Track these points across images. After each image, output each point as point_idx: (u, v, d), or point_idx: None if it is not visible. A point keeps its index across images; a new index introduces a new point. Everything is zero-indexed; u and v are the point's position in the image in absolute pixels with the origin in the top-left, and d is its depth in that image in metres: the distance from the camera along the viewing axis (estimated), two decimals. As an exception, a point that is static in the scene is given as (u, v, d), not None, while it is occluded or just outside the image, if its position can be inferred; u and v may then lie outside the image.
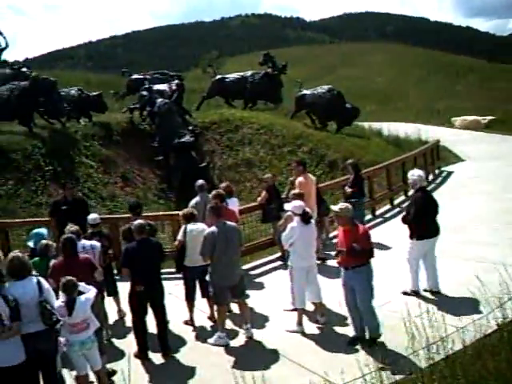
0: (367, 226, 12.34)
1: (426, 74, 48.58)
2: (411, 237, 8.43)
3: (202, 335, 7.92)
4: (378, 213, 14.20)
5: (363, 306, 7.02)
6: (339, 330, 7.63)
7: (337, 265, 7.44)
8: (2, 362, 5.59)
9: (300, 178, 10.31)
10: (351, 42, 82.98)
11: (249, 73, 24.23)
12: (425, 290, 8.57)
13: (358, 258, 6.94)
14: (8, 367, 5.57)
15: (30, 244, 8.02)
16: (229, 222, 7.67)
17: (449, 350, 5.96)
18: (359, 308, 7.09)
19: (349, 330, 7.42)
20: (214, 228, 7.46)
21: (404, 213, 8.77)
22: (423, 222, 8.29)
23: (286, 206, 8.36)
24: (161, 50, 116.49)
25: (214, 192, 8.99)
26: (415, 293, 8.46)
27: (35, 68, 26.03)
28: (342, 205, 7.34)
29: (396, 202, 15.19)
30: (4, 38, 23.36)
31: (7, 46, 23.59)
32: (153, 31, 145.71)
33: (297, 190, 9.91)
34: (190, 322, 8.29)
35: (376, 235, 11.83)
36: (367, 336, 7.16)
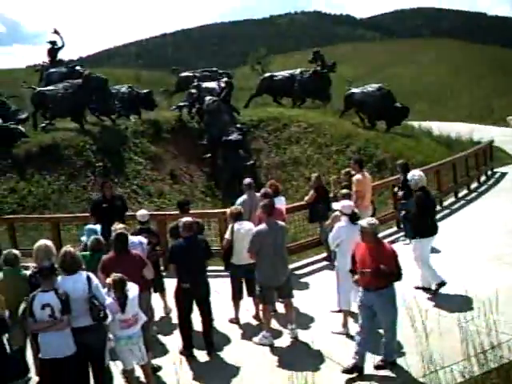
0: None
1: (481, 71, 47.29)
2: (414, 236, 8.70)
3: (247, 334, 7.92)
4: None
5: (387, 326, 6.57)
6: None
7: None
8: (54, 353, 5.76)
9: (358, 176, 10.36)
10: (402, 40, 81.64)
11: (297, 71, 24.13)
12: (417, 288, 8.67)
13: (383, 280, 6.44)
14: (60, 358, 5.73)
15: (83, 239, 8.17)
16: (278, 222, 7.66)
17: (502, 358, 5.76)
18: (376, 331, 6.74)
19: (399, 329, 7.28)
20: (264, 226, 7.44)
21: (403, 212, 9.17)
22: (423, 220, 8.59)
23: (335, 206, 8.28)
24: (210, 48, 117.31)
25: (262, 190, 8.99)
26: (439, 285, 8.54)
27: (88, 66, 26.61)
28: (370, 220, 6.82)
29: (446, 203, 14.85)
30: (61, 37, 24.03)
31: (63, 45, 24.26)
32: (202, 29, 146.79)
33: (353, 188, 9.86)
34: (236, 321, 8.30)
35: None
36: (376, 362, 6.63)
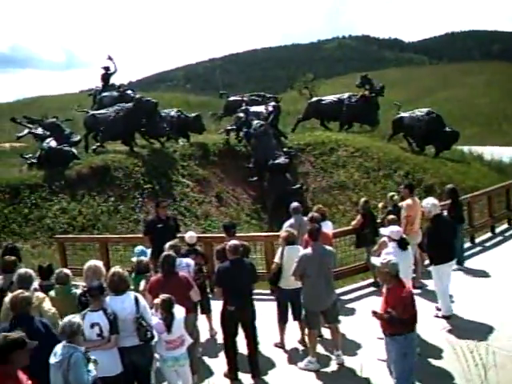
0: (467, 253, 11.96)
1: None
2: (430, 263, 8.69)
3: (292, 359, 7.85)
4: (477, 241, 13.56)
5: (395, 375, 6.27)
6: (433, 361, 7.32)
7: None
8: (101, 372, 5.82)
9: (408, 201, 10.29)
10: (452, 63, 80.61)
11: (345, 95, 24.10)
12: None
13: (392, 326, 6.06)
14: (107, 377, 5.79)
15: (134, 260, 8.29)
16: (325, 246, 7.61)
17: None
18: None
19: (445, 363, 7.11)
20: (309, 250, 7.42)
21: (419, 240, 9.19)
22: (438, 247, 8.54)
23: (383, 231, 8.19)
24: (257, 72, 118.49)
25: (309, 215, 8.97)
26: (446, 318, 8.58)
27: (138, 90, 27.24)
28: (384, 259, 6.34)
29: (498, 230, 14.44)
30: (114, 63, 24.75)
31: (116, 70, 24.94)
32: (250, 53, 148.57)
33: (403, 213, 9.75)
34: (281, 345, 8.24)
35: (474, 264, 11.42)
36: None
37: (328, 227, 9.61)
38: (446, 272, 8.75)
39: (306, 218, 9.27)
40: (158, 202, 11.02)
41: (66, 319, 5.26)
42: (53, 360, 5.09)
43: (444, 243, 8.61)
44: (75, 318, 5.28)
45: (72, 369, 4.96)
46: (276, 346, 8.24)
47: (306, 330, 7.79)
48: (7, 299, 6.09)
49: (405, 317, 5.94)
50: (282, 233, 8.42)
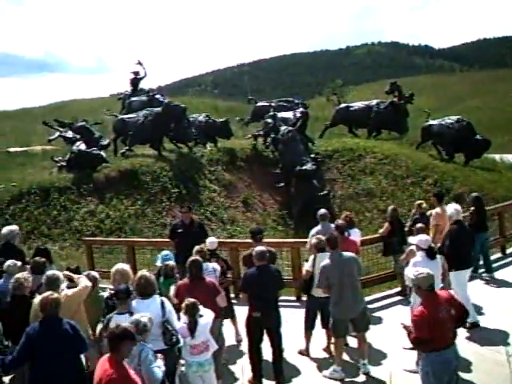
0: (495, 264, 11.74)
1: None
2: (449, 268, 8.48)
3: (317, 366, 7.79)
4: (508, 251, 13.31)
5: None
6: (463, 374, 7.18)
7: None
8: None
9: (437, 210, 10.22)
10: (484, 70, 79.52)
11: (374, 102, 23.91)
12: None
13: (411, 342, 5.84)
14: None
15: (158, 264, 8.33)
16: (345, 253, 7.53)
17: None
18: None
19: (473, 376, 6.98)
20: (327, 260, 7.37)
21: (439, 244, 8.91)
22: (458, 253, 8.57)
23: (411, 240, 8.09)
24: (285, 78, 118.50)
25: (337, 221, 8.92)
26: (473, 326, 8.44)
27: (166, 95, 27.42)
28: (416, 271, 6.07)
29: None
30: (143, 68, 25.01)
31: (145, 75, 25.21)
32: (278, 59, 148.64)
33: (432, 222, 9.65)
34: (306, 353, 8.18)
35: (505, 275, 11.21)
36: None
37: (356, 234, 9.54)
38: (463, 278, 8.69)
39: (332, 225, 9.21)
40: (182, 207, 11.24)
41: (133, 318, 5.48)
42: None
43: (460, 250, 8.64)
44: (144, 318, 5.50)
45: (143, 364, 5.26)
46: (301, 353, 8.20)
47: (333, 339, 7.72)
48: (36, 300, 6.17)
49: (419, 336, 5.68)
50: (312, 240, 8.36)
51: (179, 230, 10.18)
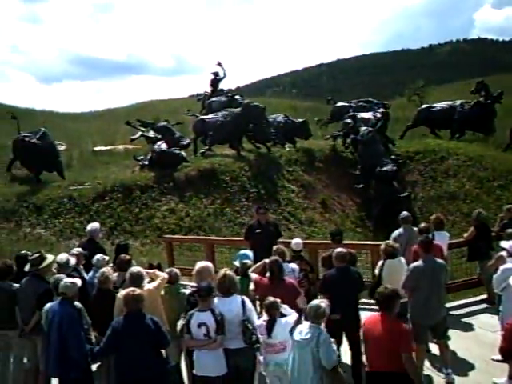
0: None
1: None
2: None
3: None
4: None
5: None
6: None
7: None
8: (206, 371, 5.93)
9: None
10: None
11: (458, 102, 23.10)
12: None
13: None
14: (211, 377, 5.90)
15: (236, 263, 8.36)
16: (437, 259, 7.29)
17: None
18: None
19: None
20: (420, 262, 7.13)
21: None
22: None
23: (503, 244, 7.71)
24: (364, 78, 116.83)
25: (422, 225, 8.64)
26: None
27: (245, 95, 27.61)
28: None
29: None
30: (223, 69, 25.33)
31: (225, 76, 25.53)
32: (357, 59, 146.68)
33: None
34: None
35: None
36: None
37: (444, 238, 9.19)
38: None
39: (416, 229, 8.95)
40: (258, 208, 10.96)
41: (314, 303, 5.83)
42: (298, 337, 5.74)
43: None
44: (323, 303, 5.83)
45: (322, 346, 5.58)
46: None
47: (413, 345, 7.47)
48: (120, 295, 6.33)
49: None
50: (382, 245, 8.15)
51: (257, 231, 10.17)
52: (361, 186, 19.30)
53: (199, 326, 5.88)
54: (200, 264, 6.86)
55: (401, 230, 9.18)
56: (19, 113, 22.45)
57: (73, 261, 7.67)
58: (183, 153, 18.92)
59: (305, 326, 5.81)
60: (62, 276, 6.80)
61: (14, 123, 18.87)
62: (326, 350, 5.60)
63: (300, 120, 21.79)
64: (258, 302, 7.17)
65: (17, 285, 7.32)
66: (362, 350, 7.31)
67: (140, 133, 21.15)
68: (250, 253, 8.52)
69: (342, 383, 5.89)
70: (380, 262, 7.89)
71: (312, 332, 5.67)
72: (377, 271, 7.85)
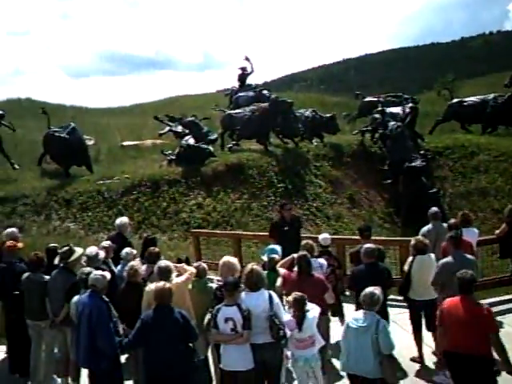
0: None
1: None
2: None
3: (426, 371, 7.48)
4: None
5: None
6: None
7: None
8: (232, 366, 5.96)
9: None
10: None
11: (490, 96, 22.66)
12: None
13: None
14: (238, 371, 5.90)
15: (264, 258, 8.35)
16: (467, 255, 7.17)
17: None
18: None
19: None
20: (450, 258, 7.03)
21: None
22: None
23: None
24: (392, 73, 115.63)
25: (451, 221, 8.52)
26: None
27: (273, 90, 27.54)
28: None
29: None
30: (251, 64, 25.30)
31: (252, 71, 25.51)
32: (385, 53, 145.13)
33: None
34: (419, 360, 7.82)
35: None
36: None
37: (473, 234, 9.04)
38: None
39: (445, 225, 8.82)
40: (283, 205, 10.88)
41: (368, 290, 5.94)
42: (354, 325, 5.88)
43: None
44: (376, 290, 5.99)
45: (381, 333, 5.75)
46: (414, 360, 7.87)
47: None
48: (148, 288, 6.38)
49: None
50: (412, 240, 8.05)
51: (284, 228, 10.13)
52: (389, 181, 19.10)
53: (226, 320, 5.89)
54: (226, 259, 6.87)
55: (430, 226, 9.07)
56: (50, 108, 22.76)
57: (102, 254, 7.75)
58: (211, 148, 18.96)
59: (359, 313, 5.95)
60: (91, 269, 6.87)
61: (45, 118, 19.17)
62: (385, 337, 5.76)
63: (328, 115, 21.64)
64: (285, 297, 7.13)
65: (47, 277, 7.46)
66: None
67: (168, 128, 21.26)
68: (278, 247, 8.50)
69: (398, 369, 6.17)
70: (410, 258, 7.79)
71: (370, 319, 5.82)
72: (406, 267, 7.76)
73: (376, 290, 6.01)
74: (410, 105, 21.52)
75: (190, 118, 20.71)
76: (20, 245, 8.29)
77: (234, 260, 6.93)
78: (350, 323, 5.95)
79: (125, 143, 22.89)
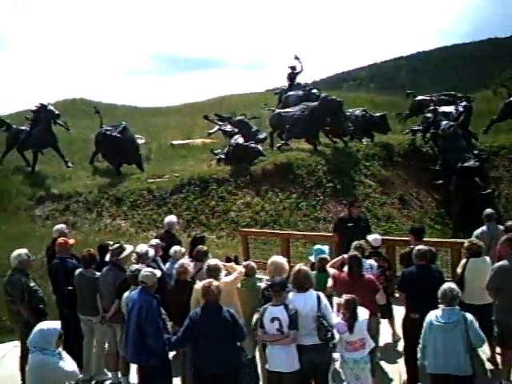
0: None
1: None
2: None
3: (481, 380, 7.23)
4: None
5: None
6: None
7: None
8: (277, 366, 5.91)
9: None
10: None
11: (553, 93, 21.88)
12: None
13: None
14: (283, 372, 5.85)
15: (311, 258, 8.28)
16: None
17: None
18: None
19: None
20: (505, 262, 6.79)
21: None
22: None
23: None
24: (445, 71, 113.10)
25: (508, 223, 8.25)
26: None
27: (322, 89, 27.35)
28: None
29: None
30: (300, 63, 25.22)
31: (302, 70, 25.41)
32: (438, 51, 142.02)
33: None
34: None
35: None
36: None
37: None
38: None
39: (501, 227, 8.54)
40: (352, 202, 11.06)
41: (446, 286, 5.94)
42: (440, 322, 5.78)
43: None
44: (453, 285, 5.99)
45: (471, 327, 5.72)
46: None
47: (498, 349, 7.14)
48: (197, 286, 6.40)
49: None
50: (466, 242, 7.81)
51: (349, 224, 10.04)
52: (441, 181, 18.76)
53: (272, 320, 5.85)
54: (274, 258, 6.84)
55: (484, 227, 8.80)
56: (102, 108, 23.24)
57: (151, 252, 7.83)
58: (259, 147, 19.00)
59: (439, 311, 5.86)
60: (141, 266, 6.95)
61: (97, 118, 19.59)
62: (476, 330, 5.72)
63: (379, 114, 21.40)
64: (335, 298, 7.05)
65: (99, 273, 7.60)
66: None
67: (217, 127, 21.41)
68: (325, 248, 8.41)
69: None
70: (463, 261, 7.56)
71: (456, 315, 5.75)
72: (459, 270, 7.53)
73: (452, 284, 5.95)
74: (464, 103, 21.04)
75: (239, 117, 20.80)
76: (71, 241, 8.45)
77: (282, 260, 6.89)
78: (433, 321, 5.83)
79: (175, 142, 23.16)
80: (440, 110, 20.61)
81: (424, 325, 5.96)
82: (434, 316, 5.86)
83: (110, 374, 7.71)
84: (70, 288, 7.81)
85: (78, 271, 7.76)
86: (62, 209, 16.61)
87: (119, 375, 7.48)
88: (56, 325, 5.09)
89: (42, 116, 18.80)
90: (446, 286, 5.92)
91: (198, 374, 5.90)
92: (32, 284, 7.36)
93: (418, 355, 6.08)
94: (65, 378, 4.95)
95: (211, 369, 5.74)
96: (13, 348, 8.61)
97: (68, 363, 4.98)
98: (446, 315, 5.77)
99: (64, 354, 5.02)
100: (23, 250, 7.52)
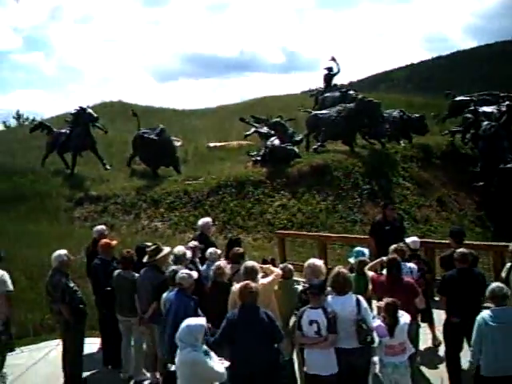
0: None
1: None
2: None
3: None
4: None
5: None
6: None
7: None
8: (315, 369, 5.85)
9: None
10: None
11: None
12: None
13: None
14: (321, 375, 5.80)
15: (351, 260, 8.19)
16: None
17: None
18: None
19: None
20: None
21: None
22: None
23: None
24: (486, 70, 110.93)
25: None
26: None
27: (358, 90, 27.16)
28: None
29: None
30: (337, 64, 25.09)
31: (339, 71, 25.32)
32: (478, 50, 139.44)
33: None
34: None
35: None
36: None
37: None
38: None
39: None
40: (386, 204, 10.79)
41: (495, 285, 5.80)
42: (497, 322, 5.57)
43: None
44: (500, 283, 5.89)
45: None
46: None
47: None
48: (235, 288, 6.39)
49: None
50: (510, 246, 7.61)
51: (386, 227, 9.90)
52: (481, 183, 18.41)
53: (310, 323, 5.80)
54: (311, 261, 6.78)
55: (528, 230, 8.57)
56: (139, 110, 23.53)
57: (189, 254, 7.85)
58: (296, 149, 18.95)
59: (489, 311, 5.67)
60: (178, 267, 6.98)
61: (135, 120, 19.81)
62: None
63: (416, 115, 21.14)
64: (374, 302, 6.95)
65: (137, 274, 7.66)
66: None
67: (253, 129, 21.42)
68: (365, 250, 8.30)
69: None
70: (508, 265, 7.37)
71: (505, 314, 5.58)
72: (504, 274, 7.35)
73: (499, 283, 5.84)
74: (507, 103, 20.60)
75: (275, 119, 20.80)
76: (114, 242, 8.53)
77: (320, 262, 6.82)
78: (488, 322, 5.61)
79: (211, 144, 23.28)
80: (481, 111, 20.26)
81: (476, 327, 5.77)
82: (487, 316, 5.63)
83: (148, 374, 7.77)
84: (108, 289, 7.89)
85: (116, 272, 7.84)
86: (100, 210, 16.86)
87: (157, 375, 7.53)
88: (201, 321, 5.26)
89: (81, 119, 19.12)
90: (493, 285, 5.77)
91: (235, 373, 5.88)
92: (72, 285, 7.47)
93: (470, 359, 5.88)
94: (215, 378, 5.09)
95: (248, 369, 5.71)
96: (56, 346, 8.76)
97: (218, 364, 5.11)
98: (503, 315, 5.58)
99: (212, 353, 5.16)
100: (63, 251, 7.64)
